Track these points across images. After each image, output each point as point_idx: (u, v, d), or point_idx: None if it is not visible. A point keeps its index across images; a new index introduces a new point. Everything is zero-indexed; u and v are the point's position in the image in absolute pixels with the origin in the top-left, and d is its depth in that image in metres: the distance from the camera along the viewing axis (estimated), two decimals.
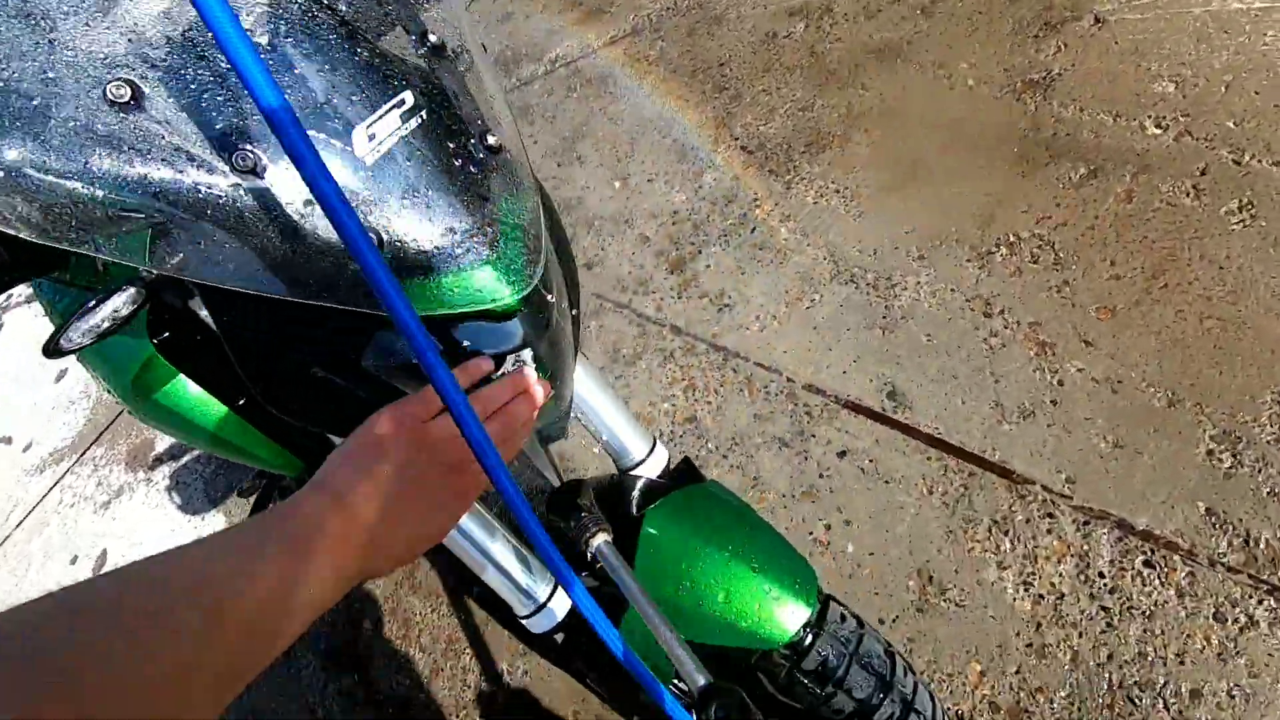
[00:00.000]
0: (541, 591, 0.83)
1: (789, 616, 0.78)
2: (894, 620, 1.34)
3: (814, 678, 0.79)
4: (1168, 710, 1.14)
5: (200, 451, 2.30)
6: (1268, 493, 1.24)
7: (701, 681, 0.56)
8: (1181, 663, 1.17)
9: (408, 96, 0.54)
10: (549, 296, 0.67)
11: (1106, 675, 1.19)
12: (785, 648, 0.78)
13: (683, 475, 0.97)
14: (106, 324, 0.52)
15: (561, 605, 0.84)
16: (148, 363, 0.69)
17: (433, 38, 0.59)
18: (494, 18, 3.39)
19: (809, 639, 0.79)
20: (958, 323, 1.63)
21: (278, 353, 0.57)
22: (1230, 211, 1.53)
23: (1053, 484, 1.37)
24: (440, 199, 0.54)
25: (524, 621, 0.84)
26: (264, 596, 0.38)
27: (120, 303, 0.52)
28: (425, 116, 0.55)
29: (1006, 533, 1.35)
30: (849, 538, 1.45)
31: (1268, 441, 1.29)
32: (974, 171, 1.85)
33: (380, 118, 0.52)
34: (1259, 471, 1.27)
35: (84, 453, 2.58)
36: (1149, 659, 1.19)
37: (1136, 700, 1.16)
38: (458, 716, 1.55)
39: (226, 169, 0.46)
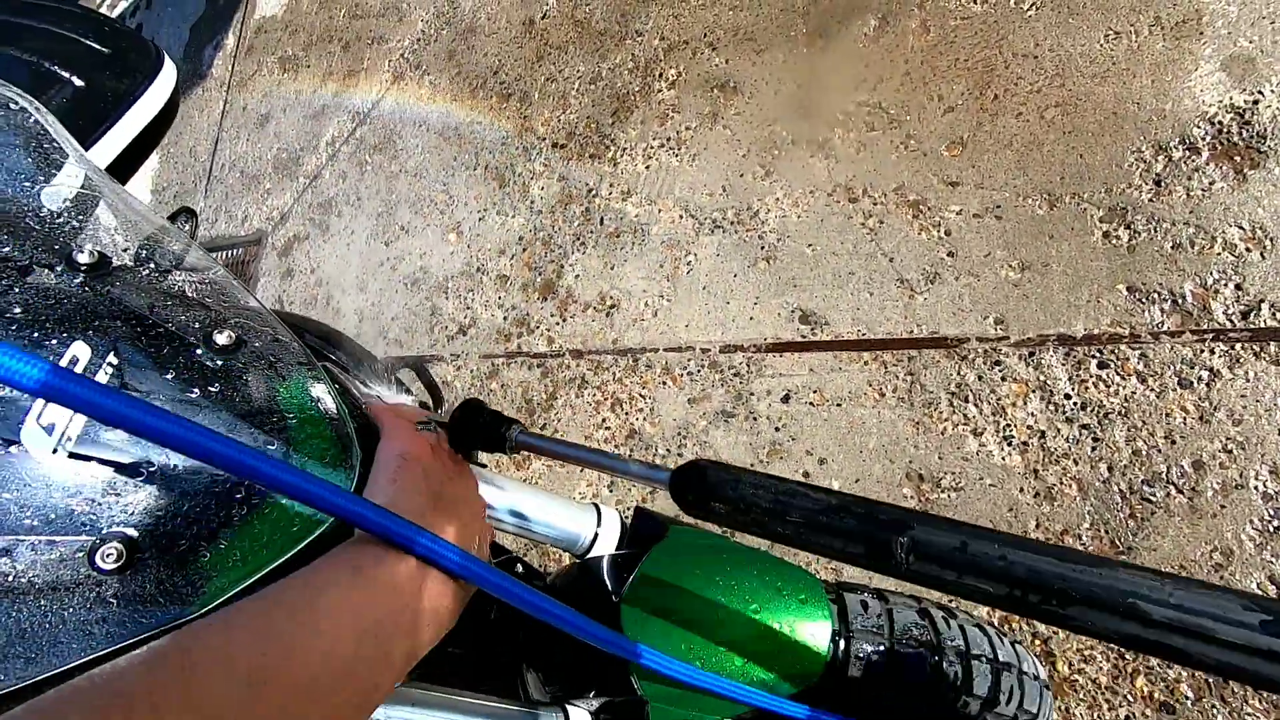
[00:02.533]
0: None
1: (813, 639, 0.71)
2: None
3: (865, 683, 0.72)
4: (1181, 492, 1.14)
5: None
6: (1171, 247, 1.25)
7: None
8: (1173, 442, 1.17)
9: (80, 350, 0.41)
10: None
11: (1115, 488, 1.18)
12: (824, 668, 0.71)
13: (643, 530, 0.88)
14: None
15: None
16: None
17: (83, 257, 0.46)
18: (252, 125, 3.14)
19: (841, 647, 0.72)
20: (830, 220, 1.58)
21: None
22: (1020, 1, 1.52)
23: (986, 333, 1.35)
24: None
25: None
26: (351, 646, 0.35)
27: None
28: (115, 362, 0.42)
29: (966, 399, 1.33)
30: (829, 476, 1.40)
31: (1148, 200, 1.29)
32: (777, 66, 1.79)
33: None
34: (1155, 230, 1.27)
35: None
36: (1143, 453, 1.18)
37: (1151, 497, 1.16)
38: None
39: None
